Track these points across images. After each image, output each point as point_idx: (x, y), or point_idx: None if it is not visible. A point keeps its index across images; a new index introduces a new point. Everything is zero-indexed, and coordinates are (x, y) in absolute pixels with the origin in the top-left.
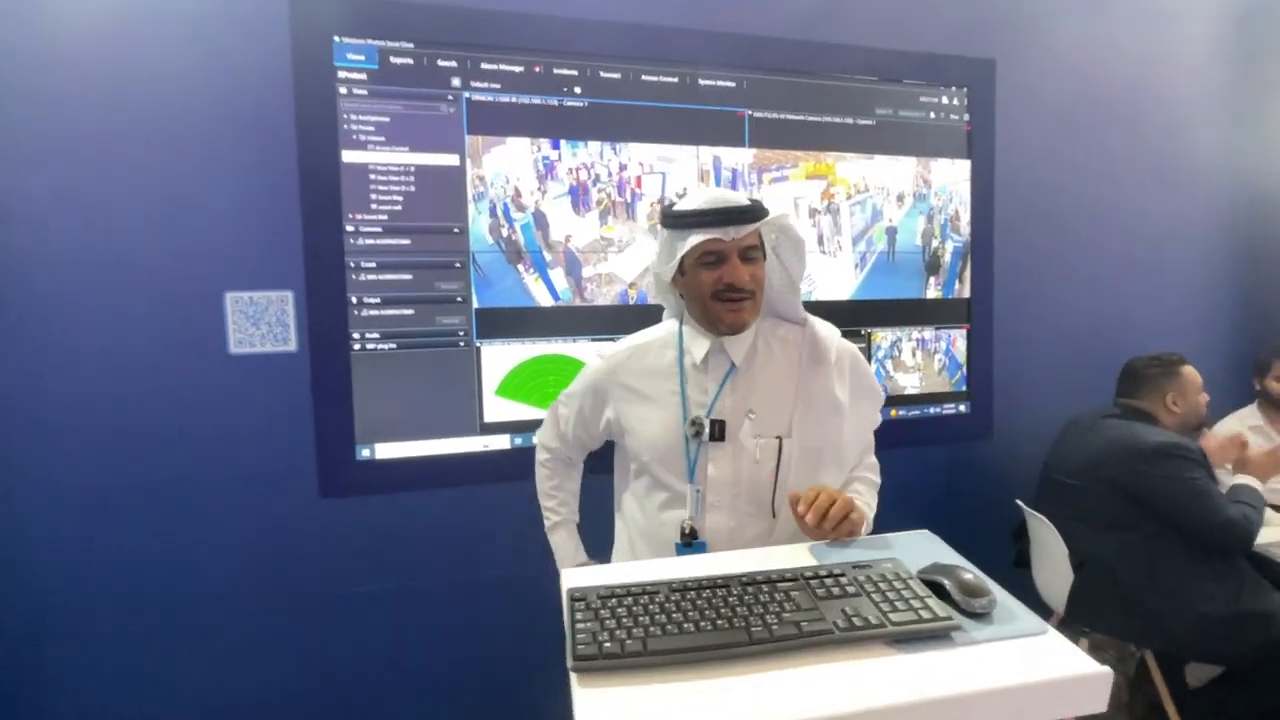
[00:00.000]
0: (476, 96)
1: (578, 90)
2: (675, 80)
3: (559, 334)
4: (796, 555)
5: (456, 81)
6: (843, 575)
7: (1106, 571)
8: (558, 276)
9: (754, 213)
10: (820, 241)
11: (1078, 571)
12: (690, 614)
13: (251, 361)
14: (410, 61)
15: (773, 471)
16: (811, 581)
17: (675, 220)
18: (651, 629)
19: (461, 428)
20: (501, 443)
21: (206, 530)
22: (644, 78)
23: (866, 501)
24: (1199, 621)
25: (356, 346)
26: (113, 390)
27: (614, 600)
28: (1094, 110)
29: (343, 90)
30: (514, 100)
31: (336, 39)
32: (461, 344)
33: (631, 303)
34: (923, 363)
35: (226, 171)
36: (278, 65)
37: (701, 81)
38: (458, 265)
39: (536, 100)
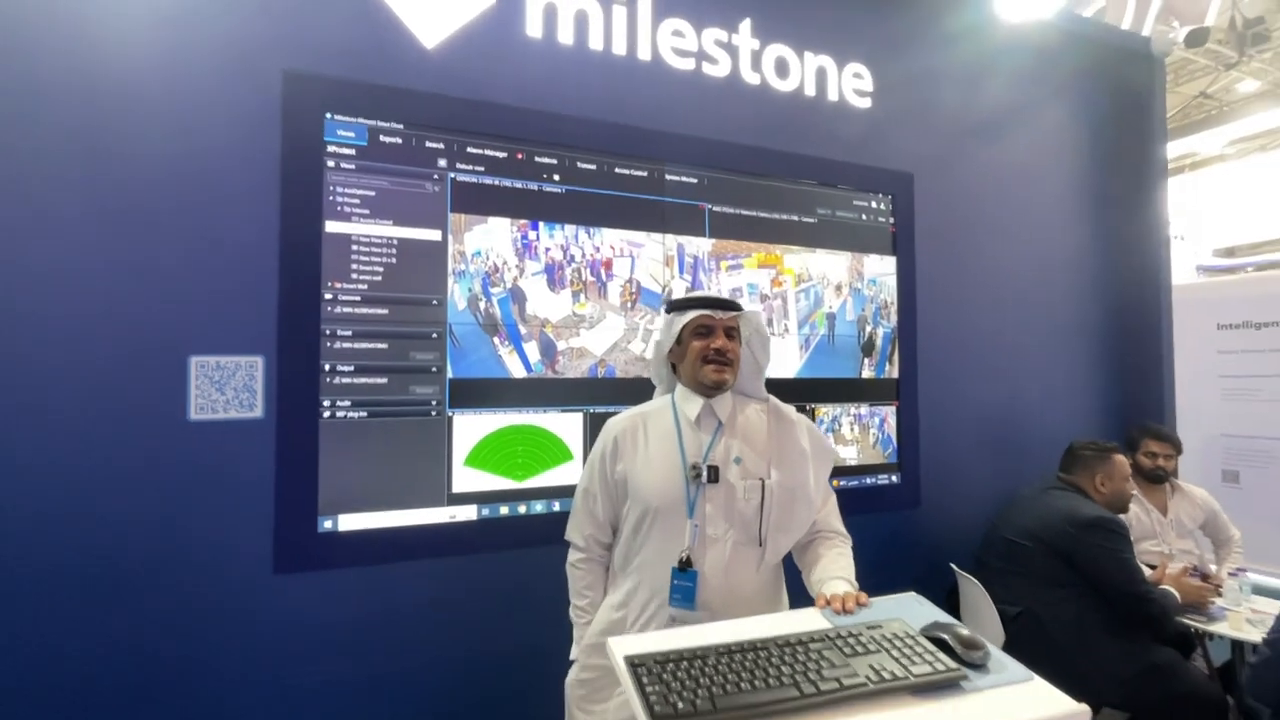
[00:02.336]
0: (461, 177)
1: (556, 178)
2: (645, 174)
3: (530, 405)
4: (813, 620)
5: (443, 162)
6: (861, 635)
7: (1038, 623)
8: (531, 349)
9: (736, 304)
10: (770, 324)
11: (1014, 621)
12: (743, 674)
13: (212, 429)
14: (399, 141)
15: (758, 507)
16: (837, 641)
17: (678, 304)
18: (714, 689)
19: (429, 498)
20: (469, 514)
21: (147, 611)
22: (617, 170)
23: (849, 571)
24: (1114, 673)
25: (326, 414)
26: (55, 453)
27: (671, 664)
28: (991, 219)
29: (331, 164)
30: (496, 183)
31: (329, 116)
32: (434, 413)
33: (600, 376)
34: (859, 436)
35: (203, 233)
36: (267, 137)
37: (668, 176)
38: (434, 336)
39: (518, 184)
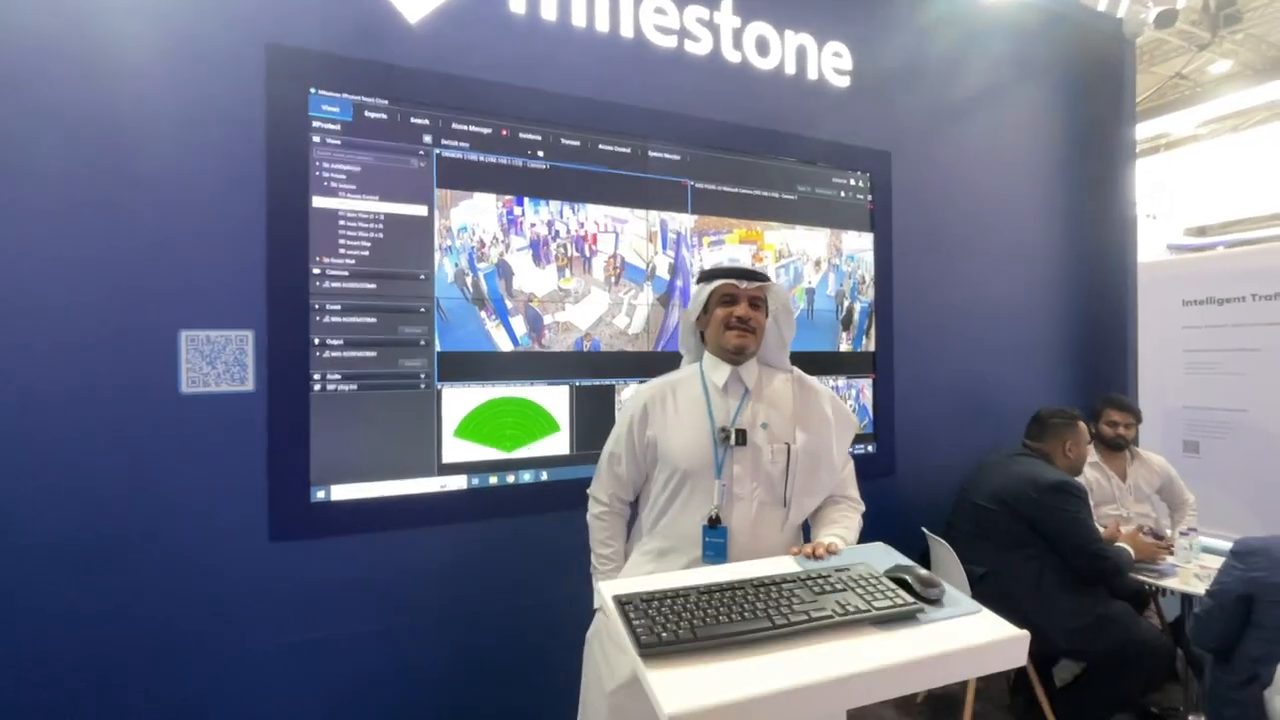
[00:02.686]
0: (446, 153)
1: (541, 154)
2: (628, 151)
3: (517, 378)
4: (786, 565)
5: (428, 138)
6: (830, 576)
7: (1002, 583)
8: (518, 323)
9: (762, 275)
10: None
11: (980, 581)
12: (721, 609)
13: (204, 401)
14: (384, 117)
15: (784, 469)
16: (807, 582)
17: (707, 273)
18: (695, 621)
19: (419, 468)
20: (458, 483)
21: (147, 580)
22: (600, 146)
23: (848, 530)
24: (1068, 625)
25: (317, 387)
26: (48, 428)
27: (656, 602)
28: (965, 197)
29: (316, 139)
30: (481, 159)
31: (313, 90)
32: (423, 386)
33: (586, 350)
34: None
35: (191, 210)
36: (251, 112)
37: (651, 153)
38: (422, 310)
39: (503, 160)
